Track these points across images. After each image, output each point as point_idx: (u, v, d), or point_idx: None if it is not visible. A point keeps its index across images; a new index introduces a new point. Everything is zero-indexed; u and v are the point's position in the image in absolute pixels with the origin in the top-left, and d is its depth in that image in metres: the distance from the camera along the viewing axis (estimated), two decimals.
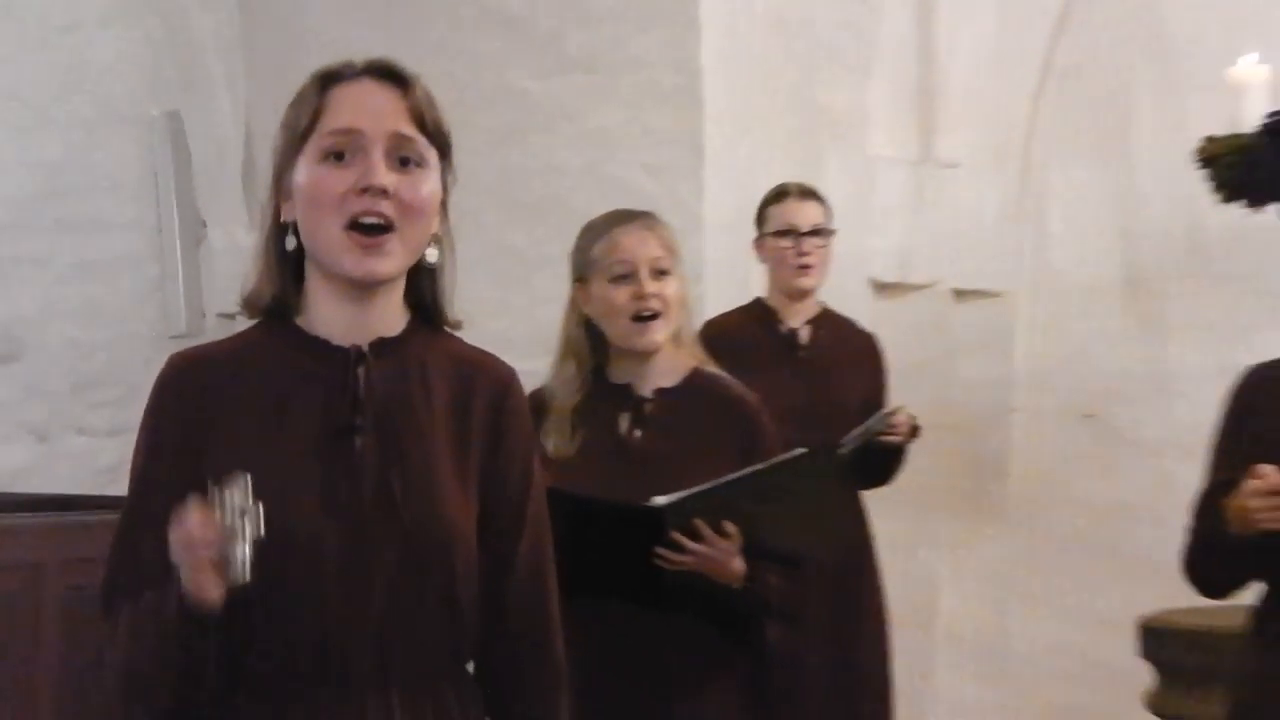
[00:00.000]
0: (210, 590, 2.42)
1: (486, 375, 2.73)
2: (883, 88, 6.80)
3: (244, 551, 2.40)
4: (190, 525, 2.41)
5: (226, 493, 2.40)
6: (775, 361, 5.76)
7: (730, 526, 3.88)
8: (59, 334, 7.38)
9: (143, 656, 2.56)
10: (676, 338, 4.12)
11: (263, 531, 2.40)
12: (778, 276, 5.88)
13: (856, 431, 5.71)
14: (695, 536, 3.87)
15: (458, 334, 2.76)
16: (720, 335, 5.54)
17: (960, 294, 7.25)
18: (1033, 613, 7.22)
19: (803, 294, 5.88)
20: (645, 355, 4.10)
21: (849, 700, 5.91)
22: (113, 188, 7.45)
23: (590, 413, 4.09)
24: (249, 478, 2.41)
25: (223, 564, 2.40)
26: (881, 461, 5.85)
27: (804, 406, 5.55)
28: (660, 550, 3.85)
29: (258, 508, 2.40)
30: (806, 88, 6.35)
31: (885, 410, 5.83)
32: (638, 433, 4.08)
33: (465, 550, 2.64)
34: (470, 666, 2.74)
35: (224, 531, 2.39)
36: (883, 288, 6.81)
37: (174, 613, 2.47)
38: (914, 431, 5.81)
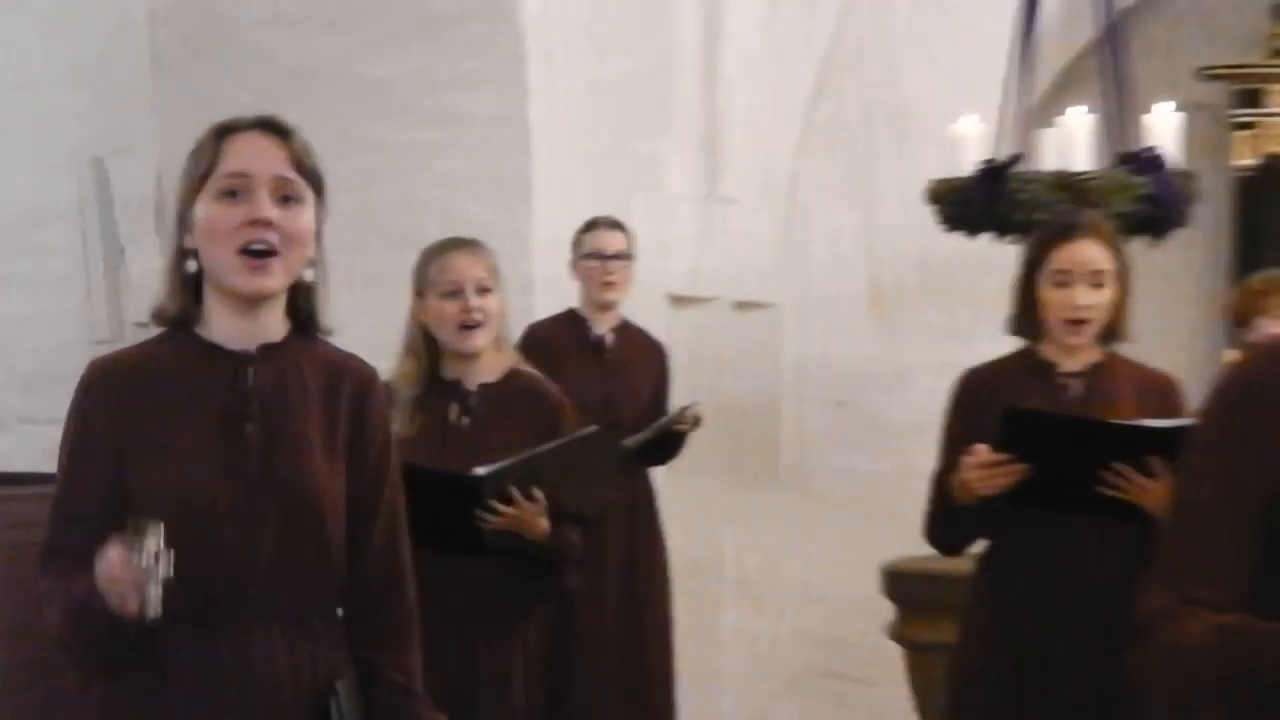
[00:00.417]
0: (130, 606, 2.44)
1: (352, 373, 2.73)
2: (678, 139, 6.84)
3: (156, 591, 2.40)
4: (111, 564, 2.43)
5: (144, 539, 2.39)
6: (584, 360, 5.81)
7: (537, 493, 3.93)
8: (7, 338, 7.30)
9: (74, 638, 2.59)
10: (496, 343, 4.16)
11: (172, 572, 2.41)
12: (588, 292, 5.93)
13: (659, 423, 5.78)
14: (510, 501, 3.90)
15: (331, 339, 2.77)
16: (540, 338, 5.63)
17: (740, 305, 7.28)
18: (801, 560, 7.24)
19: (608, 306, 5.93)
20: (471, 357, 4.12)
21: (637, 635, 5.97)
22: (53, 221, 7.37)
23: (427, 402, 4.12)
24: (162, 526, 2.41)
25: (138, 595, 2.42)
26: (669, 446, 5.92)
27: (605, 397, 5.64)
28: (479, 513, 3.89)
29: (169, 552, 2.40)
30: (616, 138, 6.37)
31: (682, 407, 5.90)
32: (465, 420, 4.11)
33: (334, 511, 2.65)
34: (340, 612, 2.72)
35: (139, 573, 2.40)
36: (678, 300, 6.84)
37: (101, 616, 2.48)
38: (697, 423, 5.89)
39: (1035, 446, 3.81)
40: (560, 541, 4.02)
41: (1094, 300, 3.99)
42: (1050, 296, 4.01)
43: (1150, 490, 3.72)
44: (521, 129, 5.66)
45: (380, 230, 5.48)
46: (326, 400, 2.69)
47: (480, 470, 3.89)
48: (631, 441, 5.67)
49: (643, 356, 6.04)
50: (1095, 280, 3.99)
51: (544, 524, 3.95)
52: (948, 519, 4.07)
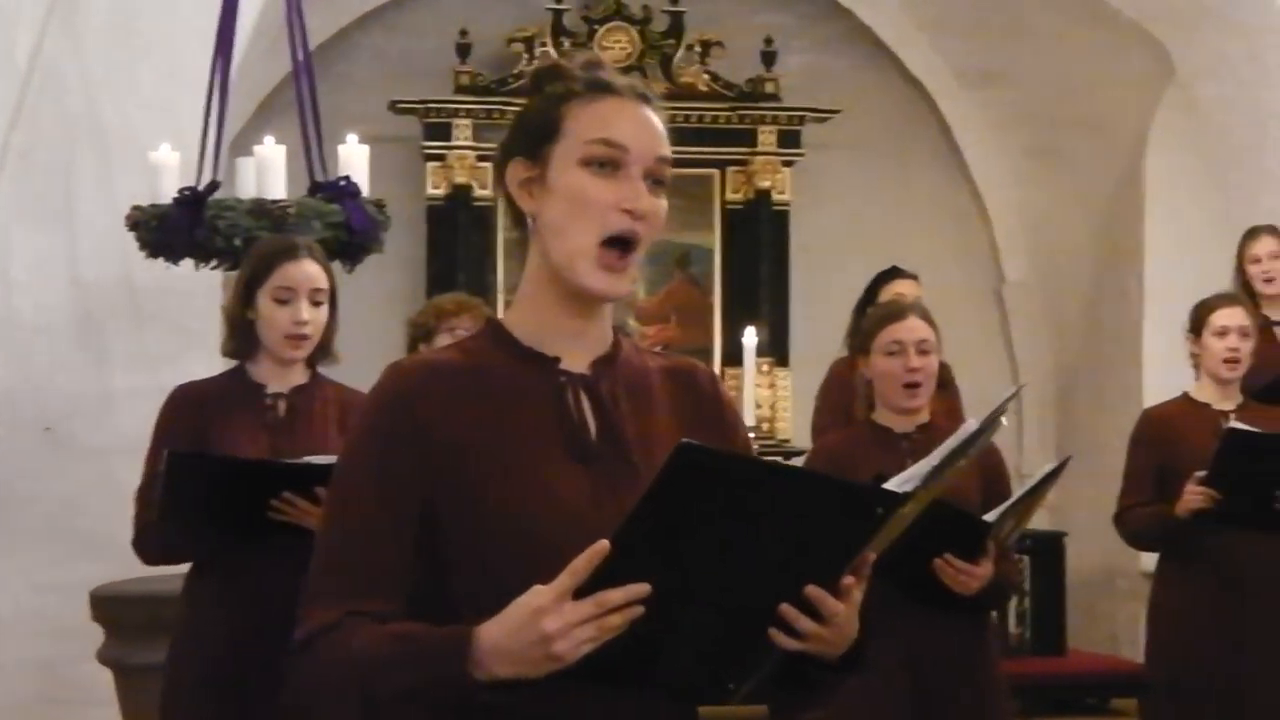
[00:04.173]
0: None
1: None
2: None
3: None
4: None
5: None
6: None
7: None
8: None
9: None
10: None
11: None
12: None
13: None
14: None
15: None
16: None
17: None
18: (8, 586, 7.04)
19: None
20: None
21: None
22: None
23: None
24: None
25: None
26: None
27: None
28: None
29: None
30: None
31: None
32: None
33: None
34: None
35: None
36: None
37: None
38: None
39: (203, 480, 4.00)
40: None
41: (315, 317, 4.18)
42: (270, 313, 4.18)
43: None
44: None
45: None
46: None
47: None
48: None
49: None
50: (316, 298, 4.18)
51: None
52: (152, 531, 4.19)
